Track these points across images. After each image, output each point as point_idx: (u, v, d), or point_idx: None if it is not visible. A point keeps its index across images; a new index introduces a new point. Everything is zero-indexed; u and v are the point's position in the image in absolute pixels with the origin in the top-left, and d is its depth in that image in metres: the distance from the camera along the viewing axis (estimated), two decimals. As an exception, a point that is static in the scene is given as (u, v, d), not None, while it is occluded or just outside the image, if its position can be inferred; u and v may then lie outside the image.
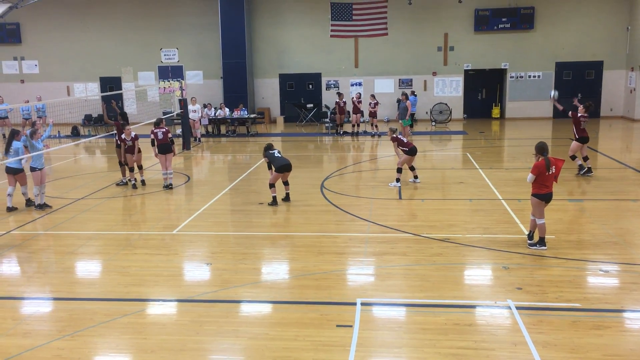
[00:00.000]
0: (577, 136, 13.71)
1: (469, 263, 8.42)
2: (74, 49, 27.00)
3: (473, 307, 6.92)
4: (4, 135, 23.23)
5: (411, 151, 13.19)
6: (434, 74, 25.77)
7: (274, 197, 11.96)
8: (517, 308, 6.77)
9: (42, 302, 7.43)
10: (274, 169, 11.88)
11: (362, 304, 7.04)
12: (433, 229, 9.99)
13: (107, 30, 26.69)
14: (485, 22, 24.97)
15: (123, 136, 13.59)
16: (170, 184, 13.74)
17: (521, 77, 25.52)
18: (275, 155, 11.90)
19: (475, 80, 26.17)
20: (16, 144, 11.80)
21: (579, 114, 13.67)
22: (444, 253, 8.78)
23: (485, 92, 26.52)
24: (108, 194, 13.26)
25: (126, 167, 13.99)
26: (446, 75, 25.80)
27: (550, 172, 8.60)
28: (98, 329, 6.53)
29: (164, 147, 13.69)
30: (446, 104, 25.40)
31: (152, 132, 13.81)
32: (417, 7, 24.05)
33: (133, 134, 13.62)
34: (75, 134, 24.07)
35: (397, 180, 13.30)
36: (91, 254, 9.34)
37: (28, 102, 23.33)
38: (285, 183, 12.16)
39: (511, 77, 25.54)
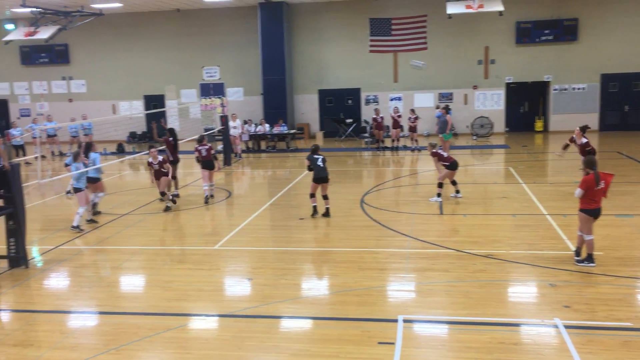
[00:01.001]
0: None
1: (514, 280, 8.24)
2: (120, 68, 27.77)
3: (518, 325, 6.76)
4: (52, 153, 23.99)
5: (452, 166, 13.04)
6: (475, 87, 25.50)
7: (314, 207, 12.18)
8: (565, 327, 6.57)
9: (89, 316, 7.59)
10: (313, 176, 12.14)
11: (404, 320, 6.95)
12: (475, 244, 9.83)
13: (151, 50, 27.38)
14: (527, 34, 24.61)
15: (150, 159, 13.11)
16: (212, 195, 14.14)
17: (565, 89, 25.00)
18: (318, 162, 12.03)
19: (518, 93, 25.75)
20: (93, 155, 12.61)
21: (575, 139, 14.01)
22: (487, 269, 8.61)
23: (527, 105, 26.06)
24: (152, 209, 13.51)
25: (172, 182, 14.24)
26: (487, 88, 25.49)
27: (599, 187, 8.37)
28: (142, 343, 6.63)
29: (207, 164, 14.04)
30: (487, 118, 25.07)
31: (197, 149, 14.17)
32: (457, 21, 23.85)
33: (160, 157, 13.14)
34: (120, 150, 24.66)
35: (438, 195, 13.15)
36: (135, 268, 9.51)
37: (74, 120, 24.05)
38: (325, 197, 12.23)
39: (555, 89, 25.05)
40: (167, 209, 13.23)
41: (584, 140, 13.95)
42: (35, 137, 21.92)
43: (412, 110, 21.95)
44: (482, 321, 6.89)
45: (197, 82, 27.43)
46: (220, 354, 6.33)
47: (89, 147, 12.77)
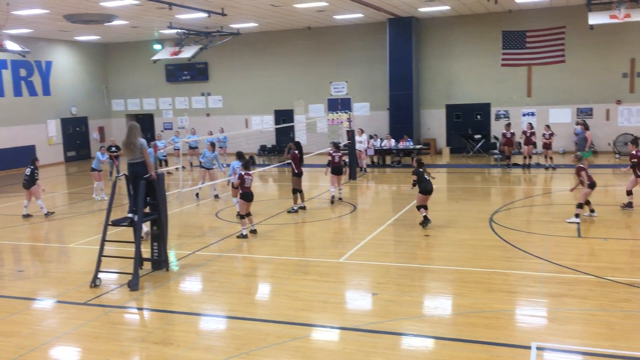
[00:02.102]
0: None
1: (664, 313, 7.49)
2: (253, 84, 29.15)
3: (670, 363, 6.13)
4: (191, 164, 25.59)
5: (591, 185, 12.21)
6: (618, 102, 23.71)
7: (425, 217, 12.46)
8: None
9: (221, 320, 7.97)
10: (419, 189, 12.50)
11: (538, 348, 6.57)
12: (618, 271, 9.08)
13: (282, 67, 28.47)
14: (680, 44, 22.52)
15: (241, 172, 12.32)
16: (340, 198, 15.66)
17: None
18: (425, 176, 12.47)
19: (668, 109, 23.57)
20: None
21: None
22: (633, 299, 7.92)
23: (679, 121, 23.76)
24: (280, 220, 13.96)
25: (298, 195, 14.63)
26: (633, 103, 23.60)
27: None
28: (270, 350, 6.84)
29: (337, 170, 15.31)
30: (632, 135, 23.16)
31: (330, 154, 15.33)
32: (599, 32, 22.39)
33: (240, 172, 12.24)
34: (251, 163, 25.75)
35: (577, 216, 12.35)
36: (264, 277, 9.86)
37: (211, 133, 25.54)
38: (425, 207, 12.61)
39: None
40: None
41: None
42: (176, 149, 23.59)
43: (547, 126, 20.86)
44: (627, 355, 6.33)
45: (324, 97, 28.07)
46: (345, 367, 6.36)
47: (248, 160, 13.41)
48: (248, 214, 12.24)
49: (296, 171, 14.63)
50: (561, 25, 23.74)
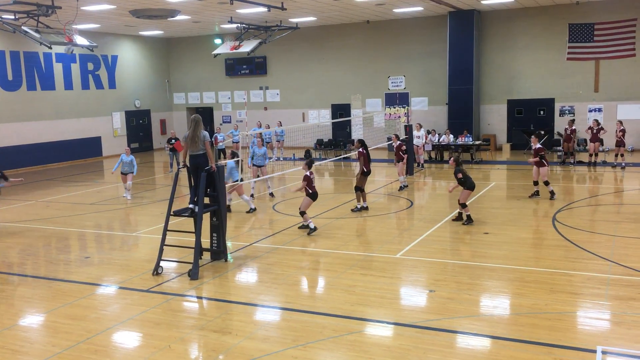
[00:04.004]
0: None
1: None
2: (310, 78, 29.25)
3: None
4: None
5: None
6: (692, 97, 22.51)
7: (469, 216, 12.35)
8: None
9: (278, 311, 8.05)
10: (464, 186, 12.46)
11: (603, 352, 6.33)
12: (692, 276, 8.63)
13: (340, 61, 28.43)
14: None
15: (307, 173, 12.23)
16: (406, 185, 17.03)
17: None
18: (468, 174, 12.67)
19: None
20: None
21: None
22: None
23: None
24: (336, 214, 13.96)
25: (360, 194, 14.19)
26: None
27: None
28: (327, 342, 6.85)
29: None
30: None
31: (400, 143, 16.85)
32: (673, 24, 21.32)
33: (308, 173, 12.11)
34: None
35: None
36: (320, 270, 9.89)
37: (269, 127, 25.79)
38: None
39: None
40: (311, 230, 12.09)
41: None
42: (235, 142, 23.94)
43: (620, 122, 19.95)
44: (701, 364, 6.02)
45: (382, 92, 27.87)
46: (401, 363, 6.30)
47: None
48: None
49: (365, 170, 14.09)
50: (632, 17, 22.70)
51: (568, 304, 7.81)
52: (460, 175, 12.46)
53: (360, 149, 14.31)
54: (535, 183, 14.99)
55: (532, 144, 15.27)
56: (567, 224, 12.11)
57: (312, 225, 12.06)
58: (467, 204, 12.50)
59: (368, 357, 6.45)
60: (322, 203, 15.34)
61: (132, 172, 16.78)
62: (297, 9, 22.26)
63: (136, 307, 8.28)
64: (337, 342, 6.86)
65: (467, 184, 12.47)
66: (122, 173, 16.80)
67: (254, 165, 16.32)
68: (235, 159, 13.16)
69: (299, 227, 12.45)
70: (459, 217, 12.65)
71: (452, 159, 13.01)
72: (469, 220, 12.35)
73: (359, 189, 14.17)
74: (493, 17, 25.14)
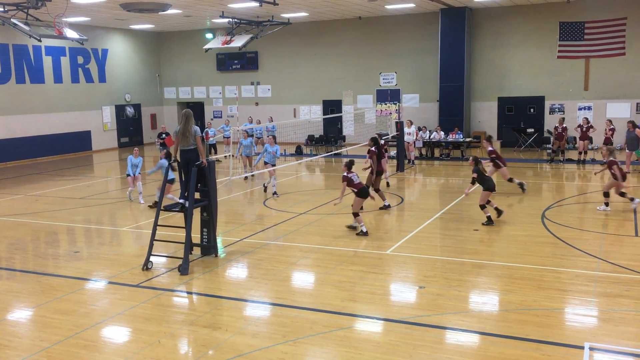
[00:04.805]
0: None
1: None
2: (302, 74, 29.21)
3: None
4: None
5: (623, 178, 12.91)
6: (681, 97, 22.71)
7: (489, 217, 12.08)
8: None
9: (268, 307, 8.05)
10: (482, 187, 12.22)
11: (591, 348, 6.39)
12: (679, 273, 8.72)
13: (331, 57, 28.40)
14: None
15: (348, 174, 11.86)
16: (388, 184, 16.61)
17: None
18: (485, 173, 12.43)
19: None
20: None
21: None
22: (694, 303, 7.60)
23: None
24: (327, 210, 13.97)
25: (379, 193, 13.85)
26: (696, 98, 22.56)
27: None
28: (317, 338, 6.87)
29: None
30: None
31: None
32: (663, 23, 21.48)
33: (346, 174, 11.74)
34: (298, 152, 25.90)
35: (606, 204, 13.04)
36: (311, 266, 9.90)
37: (260, 122, 25.74)
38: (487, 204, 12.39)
39: None
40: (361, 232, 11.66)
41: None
42: (226, 137, 23.89)
43: (609, 121, 20.15)
44: (687, 361, 6.09)
45: (373, 88, 27.88)
46: (391, 358, 6.33)
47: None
48: (360, 210, 11.79)
49: (376, 169, 13.90)
50: (622, 16, 22.86)
51: (556, 301, 7.88)
52: (475, 176, 12.21)
53: (373, 148, 14.03)
54: (510, 180, 15.28)
55: (484, 147, 15.49)
56: (556, 221, 12.20)
57: (364, 229, 11.46)
58: (486, 205, 12.18)
59: (358, 353, 6.48)
60: (313, 199, 15.36)
61: (137, 174, 15.53)
62: (289, 5, 22.21)
63: (126, 302, 8.25)
64: (327, 338, 6.87)
65: (485, 184, 12.19)
66: (128, 175, 15.56)
67: (265, 163, 15.87)
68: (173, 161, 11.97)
69: (347, 227, 12.03)
70: (498, 213, 12.38)
71: (471, 158, 12.63)
72: (489, 221, 12.05)
73: (377, 190, 13.79)
74: (484, 14, 25.22)
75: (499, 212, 12.48)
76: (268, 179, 16.41)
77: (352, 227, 11.97)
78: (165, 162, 13.54)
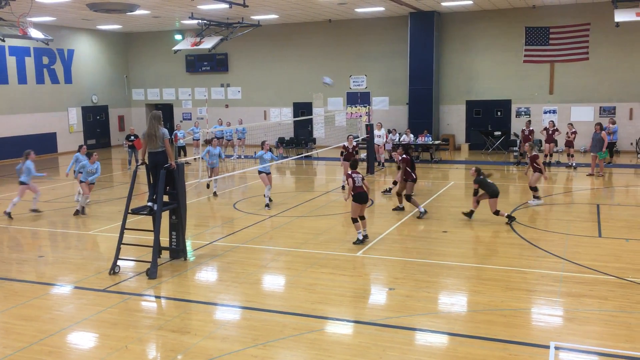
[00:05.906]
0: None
1: (686, 316, 7.37)
2: (272, 76, 29.14)
3: (692, 367, 6.03)
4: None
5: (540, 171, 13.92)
6: (642, 101, 23.34)
7: (509, 216, 12.48)
8: None
9: (238, 310, 8.00)
10: (488, 194, 12.40)
11: (556, 347, 6.51)
12: (640, 273, 8.96)
13: (301, 59, 28.40)
14: None
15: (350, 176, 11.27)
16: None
17: None
18: (488, 181, 12.51)
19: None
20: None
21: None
22: (654, 302, 7.80)
23: None
24: (297, 213, 13.96)
25: (415, 200, 13.57)
26: (657, 102, 23.22)
27: None
28: (287, 341, 6.85)
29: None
30: None
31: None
32: (625, 30, 21.99)
33: (349, 172, 11.40)
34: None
35: (537, 197, 14.18)
36: (281, 269, 9.87)
37: (229, 124, 25.62)
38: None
39: None
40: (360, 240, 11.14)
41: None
42: (195, 140, 23.65)
43: (571, 125, 20.65)
44: (648, 358, 6.25)
45: (344, 91, 27.97)
46: (361, 360, 6.35)
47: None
48: (362, 217, 11.17)
49: (414, 177, 13.50)
50: (586, 22, 23.40)
51: (523, 301, 8.01)
52: (476, 186, 12.46)
53: (405, 155, 13.73)
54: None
55: (395, 157, 15.34)
56: (523, 222, 12.41)
57: (360, 237, 11.03)
58: (498, 210, 12.32)
59: (328, 356, 6.48)
60: (283, 201, 15.32)
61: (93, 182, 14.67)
62: (259, 6, 22.14)
63: (92, 307, 8.10)
64: (298, 341, 6.86)
65: (489, 192, 12.35)
66: (81, 181, 14.49)
67: (260, 173, 14.85)
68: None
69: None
70: (510, 219, 12.43)
71: (474, 169, 12.54)
72: (511, 219, 12.34)
73: (409, 197, 13.40)
74: (453, 19, 25.54)
75: (511, 219, 12.57)
76: (212, 179, 16.36)
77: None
78: (80, 157, 13.60)
